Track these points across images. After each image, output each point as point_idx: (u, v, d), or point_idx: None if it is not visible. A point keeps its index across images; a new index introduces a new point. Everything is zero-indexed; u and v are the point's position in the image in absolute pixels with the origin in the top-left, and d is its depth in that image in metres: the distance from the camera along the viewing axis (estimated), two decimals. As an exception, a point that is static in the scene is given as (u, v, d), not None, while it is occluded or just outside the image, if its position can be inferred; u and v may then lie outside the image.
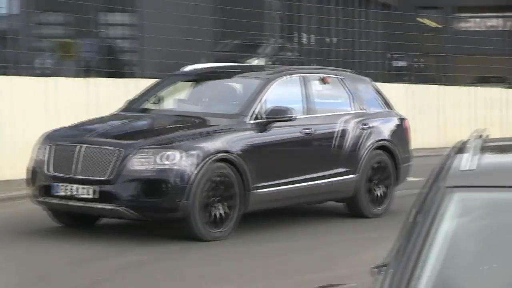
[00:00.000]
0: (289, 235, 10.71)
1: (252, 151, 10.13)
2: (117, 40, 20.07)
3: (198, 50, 20.12)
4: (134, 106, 11.30)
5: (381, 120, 12.04)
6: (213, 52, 21.42)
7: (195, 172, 9.44)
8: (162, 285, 8.39)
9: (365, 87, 12.27)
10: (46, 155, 9.85)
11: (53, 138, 10.09)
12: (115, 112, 11.27)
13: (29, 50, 17.10)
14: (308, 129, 10.88)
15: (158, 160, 9.37)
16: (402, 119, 12.46)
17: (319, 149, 11.21)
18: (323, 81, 11.54)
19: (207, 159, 9.59)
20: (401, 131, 12.31)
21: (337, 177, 11.14)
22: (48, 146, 9.91)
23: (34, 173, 10.03)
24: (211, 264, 9.20)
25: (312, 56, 23.33)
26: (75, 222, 10.41)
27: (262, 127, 10.35)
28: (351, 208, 11.60)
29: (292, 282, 8.29)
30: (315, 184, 10.87)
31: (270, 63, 21.90)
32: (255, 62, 21.65)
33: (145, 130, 10.63)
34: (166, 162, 9.38)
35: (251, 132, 10.24)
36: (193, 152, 9.54)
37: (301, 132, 10.81)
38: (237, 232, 10.60)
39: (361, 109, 11.78)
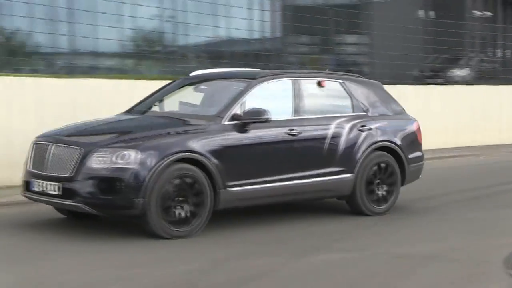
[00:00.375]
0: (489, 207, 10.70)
1: (224, 151, 8.51)
2: (351, 56, 20.39)
3: (413, 62, 20.14)
4: (137, 108, 9.83)
5: (385, 122, 10.07)
6: (424, 64, 21.32)
7: (152, 171, 7.99)
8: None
9: (370, 90, 10.24)
10: (30, 153, 8.79)
11: (38, 137, 8.91)
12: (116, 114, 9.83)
13: (287, 64, 17.73)
14: (294, 130, 9.12)
15: (114, 159, 7.98)
16: (411, 122, 10.48)
17: (307, 149, 9.23)
18: (319, 84, 9.69)
19: (167, 158, 8.09)
20: (409, 133, 10.29)
21: (329, 176, 9.36)
22: (32, 144, 8.84)
23: (23, 169, 8.95)
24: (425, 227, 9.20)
25: (506, 67, 22.71)
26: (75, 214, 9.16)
27: (239, 128, 8.69)
28: (351, 205, 9.82)
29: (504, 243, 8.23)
30: (302, 182, 9.12)
31: (471, 73, 21.59)
32: (458, 72, 21.42)
33: (115, 130, 8.86)
34: (122, 161, 7.97)
35: (226, 133, 8.59)
36: (150, 151, 8.05)
37: (286, 133, 9.06)
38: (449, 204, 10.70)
39: (363, 112, 9.95)
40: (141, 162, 7.97)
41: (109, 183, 7.97)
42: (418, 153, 10.40)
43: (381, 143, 9.86)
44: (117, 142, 8.20)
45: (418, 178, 10.51)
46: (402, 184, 10.15)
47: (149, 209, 7.99)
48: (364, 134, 9.72)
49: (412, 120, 10.55)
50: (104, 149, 8.07)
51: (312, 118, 9.41)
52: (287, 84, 9.44)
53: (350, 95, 9.97)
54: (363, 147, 9.66)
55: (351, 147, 9.58)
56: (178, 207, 8.21)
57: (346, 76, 10.27)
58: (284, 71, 10.18)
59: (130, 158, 7.98)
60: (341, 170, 9.48)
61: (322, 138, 9.39)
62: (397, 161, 10.02)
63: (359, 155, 9.61)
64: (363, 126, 9.77)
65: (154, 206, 8.02)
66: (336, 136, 9.49)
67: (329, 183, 9.40)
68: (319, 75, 9.94)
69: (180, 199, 8.23)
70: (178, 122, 8.81)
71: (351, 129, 9.64)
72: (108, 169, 7.98)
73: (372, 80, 10.76)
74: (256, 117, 8.73)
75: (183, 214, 8.23)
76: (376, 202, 9.83)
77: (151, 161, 8.01)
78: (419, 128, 10.53)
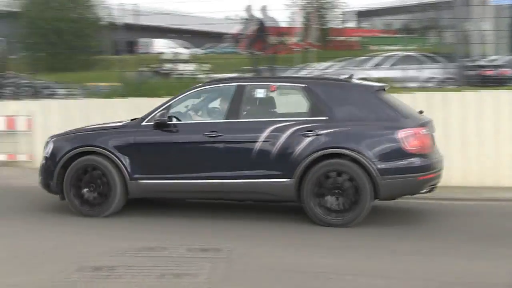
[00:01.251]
0: None
1: (133, 147, 8.60)
2: None
3: None
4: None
5: (347, 128, 8.14)
6: None
7: (60, 160, 8.78)
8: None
9: (350, 96, 8.42)
10: None
11: None
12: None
13: None
14: (214, 132, 8.37)
15: (47, 149, 9.03)
16: (394, 128, 8.11)
17: (228, 151, 8.33)
18: (269, 89, 8.65)
19: (72, 151, 8.74)
20: (385, 141, 8.09)
21: (259, 179, 8.23)
22: None
23: None
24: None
25: None
26: None
27: (154, 129, 8.58)
28: (305, 211, 8.30)
29: None
30: (222, 182, 8.31)
31: None
32: None
33: (80, 129, 9.48)
34: (46, 150, 8.99)
35: (138, 132, 8.65)
36: (60, 144, 8.88)
37: (204, 135, 8.38)
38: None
39: (324, 117, 8.24)
40: (53, 152, 8.89)
41: (40, 167, 9.05)
42: (402, 163, 8.10)
43: (331, 149, 8.14)
44: (56, 136, 9.14)
45: (417, 192, 8.30)
46: (377, 196, 8.10)
47: (65, 191, 8.79)
48: (308, 139, 8.18)
49: (397, 127, 8.15)
50: (49, 140, 9.08)
51: (243, 122, 8.46)
52: (229, 89, 8.68)
53: (311, 100, 8.42)
54: (306, 153, 8.16)
55: (290, 152, 8.22)
56: (88, 191, 8.77)
57: (316, 81, 8.86)
58: (236, 76, 9.67)
59: (48, 148, 8.97)
60: (276, 174, 8.23)
61: (250, 141, 8.30)
62: (365, 170, 8.07)
63: (299, 160, 8.16)
64: (309, 131, 8.21)
65: (67, 189, 8.77)
66: (269, 140, 8.25)
67: (258, 186, 8.26)
68: (279, 80, 9.10)
69: (88, 184, 8.75)
70: (118, 124, 9.17)
71: (292, 134, 8.24)
72: (43, 156, 9.03)
73: (365, 84, 8.87)
74: (158, 119, 8.65)
75: (91, 198, 8.74)
76: (329, 211, 8.14)
77: (59, 152, 8.84)
78: (407, 136, 8.12)
